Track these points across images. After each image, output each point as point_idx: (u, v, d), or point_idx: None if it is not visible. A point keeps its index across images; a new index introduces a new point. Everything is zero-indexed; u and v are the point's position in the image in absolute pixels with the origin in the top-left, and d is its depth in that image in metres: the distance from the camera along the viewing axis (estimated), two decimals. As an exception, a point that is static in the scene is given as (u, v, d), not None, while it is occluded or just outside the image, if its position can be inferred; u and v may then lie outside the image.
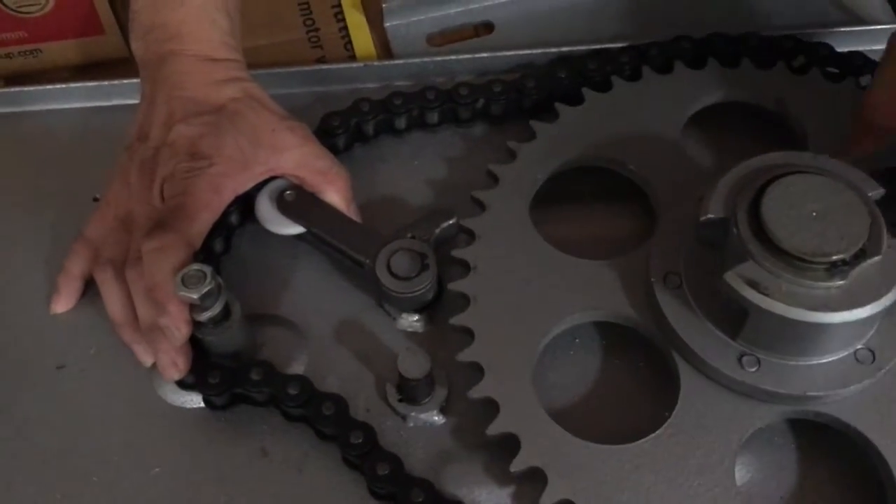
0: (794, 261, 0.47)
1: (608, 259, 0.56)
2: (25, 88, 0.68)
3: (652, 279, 0.53)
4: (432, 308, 0.57)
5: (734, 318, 0.49)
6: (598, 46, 0.66)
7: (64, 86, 0.67)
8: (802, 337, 0.49)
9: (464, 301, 0.54)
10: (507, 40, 0.71)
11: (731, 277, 0.47)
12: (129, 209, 0.57)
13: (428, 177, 0.64)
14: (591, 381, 0.55)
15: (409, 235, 0.57)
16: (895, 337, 0.50)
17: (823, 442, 0.52)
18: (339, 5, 0.74)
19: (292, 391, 0.52)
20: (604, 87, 0.63)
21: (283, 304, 0.59)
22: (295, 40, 0.72)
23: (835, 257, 0.46)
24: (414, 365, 0.52)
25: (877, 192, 0.49)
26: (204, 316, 0.51)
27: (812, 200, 0.48)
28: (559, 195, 0.61)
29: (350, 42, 0.72)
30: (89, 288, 0.59)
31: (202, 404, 0.55)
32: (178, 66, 0.56)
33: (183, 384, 0.54)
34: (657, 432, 0.50)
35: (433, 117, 0.65)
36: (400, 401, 0.54)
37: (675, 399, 0.51)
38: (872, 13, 0.72)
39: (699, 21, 0.68)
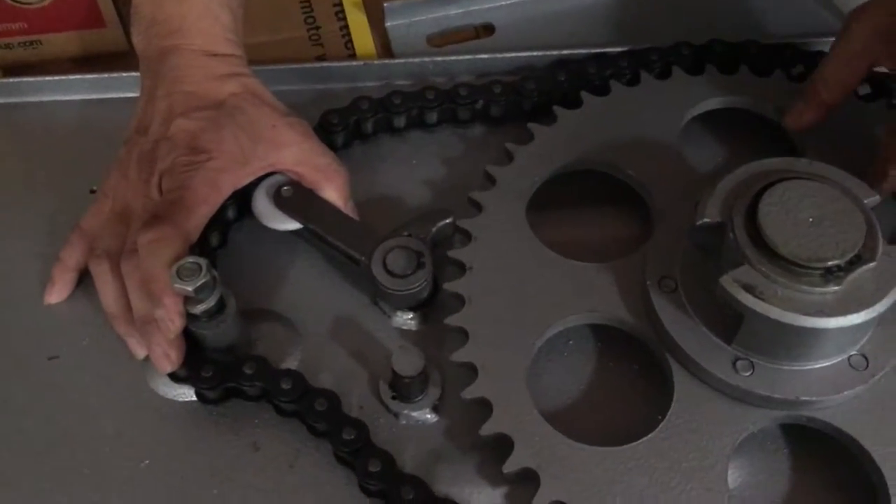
0: (789, 266, 0.47)
1: (604, 262, 0.56)
2: (25, 79, 0.68)
3: (647, 282, 0.53)
4: (427, 306, 0.57)
5: (729, 322, 0.50)
6: (598, 50, 0.66)
7: (63, 77, 0.67)
8: (797, 342, 0.49)
9: (459, 302, 0.54)
10: (507, 42, 0.71)
11: (727, 282, 0.48)
12: (127, 202, 0.57)
13: (426, 176, 0.64)
14: (585, 383, 0.55)
15: (405, 234, 0.57)
16: (889, 343, 0.51)
17: (816, 447, 0.52)
18: (341, 4, 0.74)
19: (285, 386, 0.52)
20: (602, 90, 0.64)
21: (278, 300, 0.59)
22: (296, 38, 0.73)
23: (830, 263, 0.47)
24: (407, 363, 0.52)
25: (872, 199, 0.49)
26: (198, 309, 0.51)
27: (809, 206, 0.48)
28: (556, 198, 0.61)
29: (351, 41, 0.73)
30: (83, 279, 0.59)
31: (194, 398, 0.55)
32: (179, 61, 0.56)
33: (175, 377, 0.53)
34: (650, 435, 0.50)
35: (432, 117, 0.65)
36: (393, 398, 0.54)
37: (668, 402, 0.51)
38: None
39: (700, 27, 0.68)
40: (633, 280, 0.54)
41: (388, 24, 0.73)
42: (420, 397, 0.54)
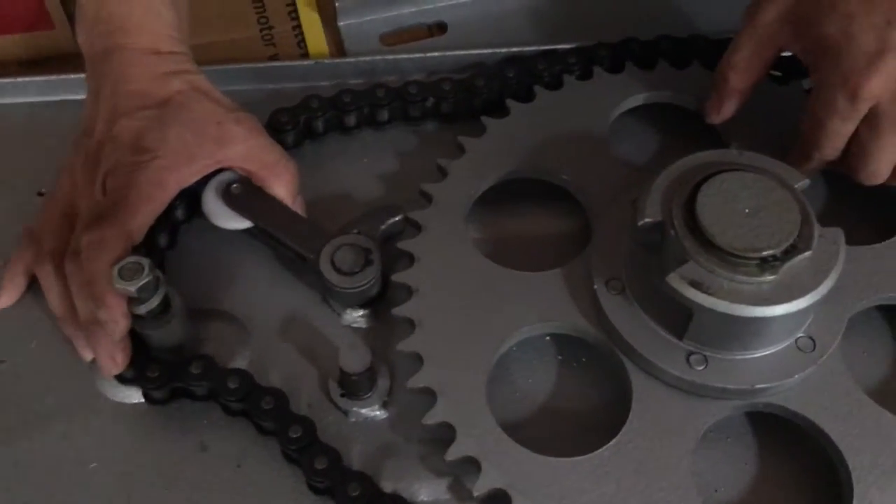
0: (727, 257, 0.48)
1: (550, 269, 0.55)
2: (-27, 83, 0.67)
3: (595, 286, 0.53)
4: (377, 304, 0.57)
5: (679, 318, 0.50)
6: (547, 47, 0.66)
7: (12, 80, 0.67)
8: (744, 331, 0.49)
9: (409, 325, 0.54)
10: (459, 41, 0.72)
11: (673, 279, 0.48)
12: (74, 203, 0.56)
13: (377, 174, 0.64)
14: (545, 394, 0.55)
15: (354, 231, 0.57)
16: (832, 324, 0.51)
17: (779, 431, 0.53)
18: (294, 3, 0.74)
19: (232, 385, 0.52)
20: (554, 86, 0.64)
21: (227, 299, 0.58)
22: (248, 38, 0.72)
23: (766, 253, 0.47)
24: (354, 360, 0.52)
25: (802, 183, 0.50)
26: (142, 309, 0.51)
27: (746, 197, 0.49)
28: (495, 207, 0.60)
29: (303, 40, 0.73)
30: (32, 283, 0.58)
31: (142, 399, 0.54)
32: (122, 60, 0.56)
33: (122, 378, 0.53)
34: (614, 440, 0.50)
35: (383, 115, 0.65)
36: (342, 396, 0.54)
37: (628, 404, 0.51)
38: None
39: (649, 24, 0.68)
40: (580, 284, 0.54)
41: (340, 23, 0.73)
42: (368, 394, 0.54)
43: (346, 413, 0.54)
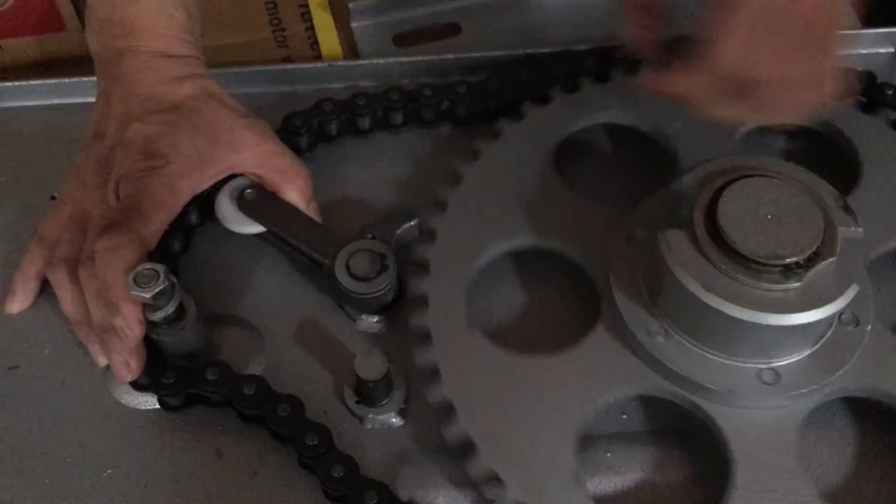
0: (750, 264, 0.47)
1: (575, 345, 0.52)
2: (-16, 85, 0.67)
3: (639, 339, 0.50)
4: (392, 309, 0.57)
5: (731, 337, 0.48)
6: (563, 49, 0.66)
7: (24, 83, 0.67)
8: (791, 338, 0.48)
9: (426, 336, 0.52)
10: (473, 43, 0.71)
11: (696, 288, 0.47)
12: (85, 208, 0.56)
13: (391, 177, 0.63)
14: (639, 464, 0.52)
15: (369, 236, 0.57)
16: (862, 292, 0.50)
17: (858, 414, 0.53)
18: (307, 5, 0.73)
19: (248, 392, 0.51)
20: (571, 88, 0.63)
21: (241, 305, 0.58)
22: (261, 40, 0.72)
23: (789, 260, 0.46)
24: (371, 367, 0.51)
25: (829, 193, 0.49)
26: (157, 316, 0.50)
27: (768, 203, 0.48)
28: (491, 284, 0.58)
29: (316, 42, 0.72)
30: (45, 288, 0.58)
31: (157, 405, 0.54)
32: (133, 63, 0.55)
33: (137, 385, 0.53)
34: (731, 489, 0.48)
35: (397, 118, 0.64)
36: (357, 403, 0.53)
37: (725, 448, 0.49)
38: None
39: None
40: (619, 344, 0.52)
41: (353, 24, 0.72)
42: (385, 401, 0.53)
43: (361, 420, 0.53)
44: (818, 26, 0.48)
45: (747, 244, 0.47)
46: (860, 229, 0.48)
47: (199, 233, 0.60)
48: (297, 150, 0.62)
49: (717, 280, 0.47)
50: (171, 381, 0.52)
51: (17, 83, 0.67)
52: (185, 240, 0.59)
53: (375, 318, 0.57)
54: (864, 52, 0.70)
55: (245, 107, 0.58)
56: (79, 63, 0.68)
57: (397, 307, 0.57)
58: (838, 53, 0.50)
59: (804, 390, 0.49)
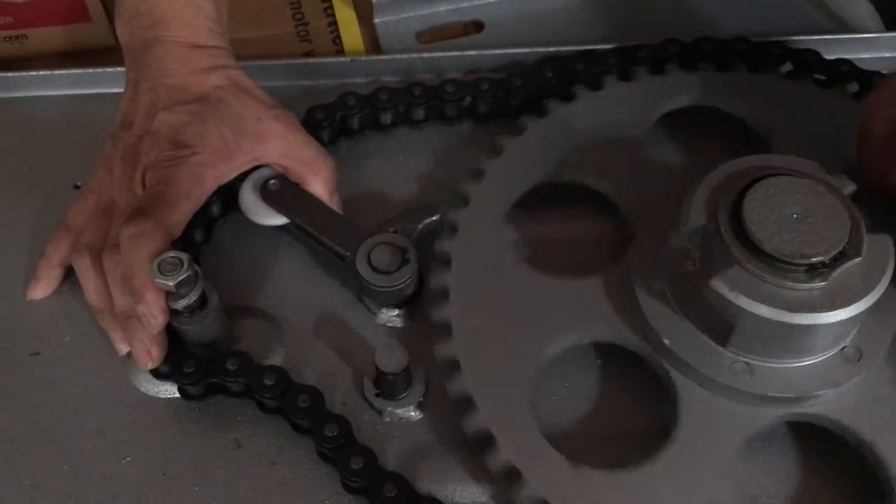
0: (775, 263, 0.47)
1: (588, 276, 0.54)
2: (10, 74, 0.67)
3: (636, 292, 0.52)
4: (412, 303, 0.57)
5: (723, 325, 0.49)
6: (586, 48, 0.66)
7: (49, 73, 0.67)
8: (790, 339, 0.48)
9: (446, 329, 0.53)
10: (496, 39, 0.71)
11: (718, 285, 0.47)
12: (111, 196, 0.56)
13: (412, 173, 0.63)
14: (588, 404, 0.54)
15: (391, 230, 0.57)
16: (879, 332, 0.50)
17: (819, 440, 0.52)
18: (329, 0, 0.74)
19: (268, 382, 0.52)
20: (594, 87, 0.63)
21: (262, 296, 0.58)
22: (284, 34, 0.72)
23: (815, 259, 0.46)
24: (391, 359, 0.51)
25: (849, 188, 0.49)
26: (180, 304, 0.50)
27: (793, 203, 0.48)
28: (531, 213, 0.59)
29: (339, 37, 0.72)
30: (68, 276, 0.58)
31: (177, 394, 0.54)
32: (162, 53, 0.56)
33: (158, 373, 0.53)
34: (661, 453, 0.49)
35: (419, 113, 0.64)
36: (377, 395, 0.53)
37: (674, 413, 0.50)
38: (861, 22, 0.73)
39: (687, 25, 0.68)
40: (620, 291, 0.53)
41: (376, 20, 0.72)
42: (404, 394, 0.53)
43: (380, 413, 0.53)
44: None
45: (772, 242, 0.46)
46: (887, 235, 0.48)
47: (222, 224, 0.61)
48: (320, 144, 0.62)
49: (738, 274, 0.47)
50: (192, 370, 0.52)
51: (41, 72, 0.67)
52: (208, 230, 0.60)
53: (395, 312, 0.57)
54: (888, 55, 0.69)
55: (266, 95, 0.58)
56: (104, 54, 0.69)
57: (417, 301, 0.57)
58: None
59: (773, 395, 0.49)
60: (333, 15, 0.73)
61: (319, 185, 0.57)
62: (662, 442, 0.49)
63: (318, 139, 0.62)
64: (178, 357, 0.53)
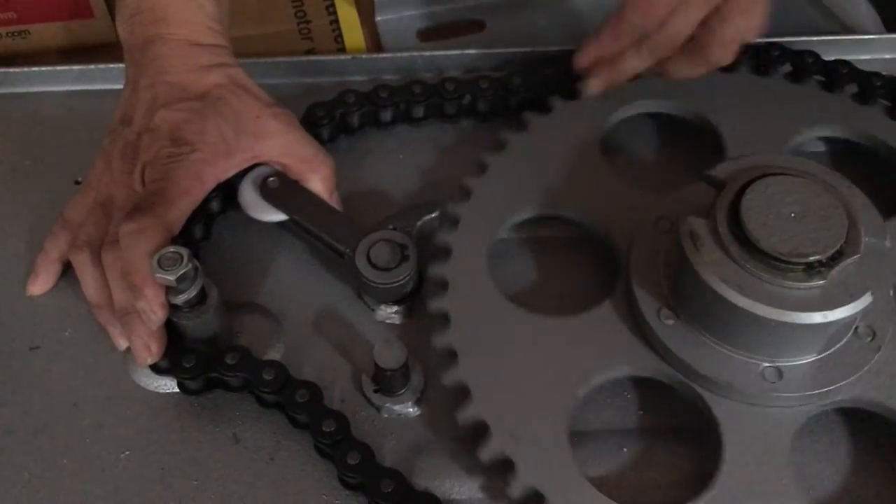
0: (773, 262, 0.47)
1: (590, 311, 0.53)
2: (11, 70, 0.68)
3: (647, 320, 0.51)
4: (411, 300, 0.57)
5: (741, 332, 0.48)
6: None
7: (50, 68, 0.67)
8: (804, 337, 0.48)
9: (444, 319, 0.53)
10: (497, 38, 0.71)
11: (720, 286, 0.47)
12: (110, 192, 0.56)
13: (412, 170, 0.64)
14: (627, 442, 0.53)
15: (390, 227, 0.57)
16: (886, 306, 0.51)
17: (858, 423, 0.52)
18: (331, -2, 0.74)
19: (267, 376, 0.52)
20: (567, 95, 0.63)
21: (261, 292, 0.58)
22: (285, 31, 0.73)
23: (812, 258, 0.46)
24: (390, 355, 0.51)
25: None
26: (180, 299, 0.51)
27: (791, 202, 0.48)
28: (514, 252, 0.59)
29: (340, 35, 0.73)
30: (66, 271, 0.58)
31: (176, 389, 0.54)
32: (162, 50, 0.56)
33: (157, 368, 0.53)
34: (715, 478, 0.48)
35: (419, 111, 0.65)
36: (375, 391, 0.54)
37: (717, 435, 0.49)
38: (860, 23, 0.73)
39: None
40: (627, 323, 0.52)
41: (378, 18, 0.73)
42: (402, 391, 0.53)
43: (378, 409, 0.54)
44: None
45: (770, 241, 0.47)
46: (886, 243, 0.48)
47: (221, 220, 0.61)
48: (319, 141, 0.62)
49: (732, 271, 0.47)
50: (191, 364, 0.52)
51: (43, 68, 0.67)
52: (207, 227, 0.60)
53: (394, 309, 0.57)
54: (887, 56, 0.70)
55: (265, 94, 0.58)
56: (106, 50, 0.69)
57: (416, 298, 0.57)
58: None
59: (806, 394, 0.49)
60: (335, 13, 0.73)
61: (318, 183, 0.57)
62: (713, 467, 0.49)
63: (318, 136, 0.62)
64: (177, 352, 0.53)
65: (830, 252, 0.46)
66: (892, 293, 0.52)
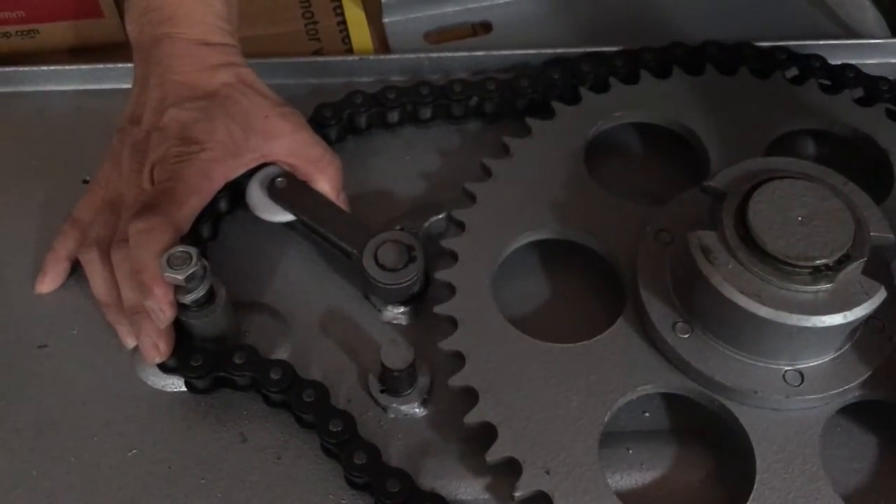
0: (779, 265, 0.47)
1: (598, 336, 0.53)
2: (20, 69, 0.68)
3: (664, 336, 0.50)
4: (418, 301, 0.57)
5: (758, 339, 0.48)
6: (593, 49, 0.66)
7: (59, 67, 0.67)
8: (822, 340, 0.49)
9: (451, 323, 0.53)
10: (504, 40, 0.72)
11: (734, 294, 0.47)
12: (119, 191, 0.57)
13: (419, 171, 0.64)
14: (656, 460, 0.52)
15: (397, 227, 0.57)
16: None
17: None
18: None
19: (274, 376, 0.52)
20: (599, 88, 0.64)
21: (269, 292, 0.59)
22: (293, 32, 0.73)
23: (818, 262, 0.47)
24: (396, 356, 0.52)
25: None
26: (188, 298, 0.51)
27: (798, 205, 0.48)
28: (514, 274, 0.58)
29: (348, 36, 0.73)
30: (75, 269, 0.59)
31: (183, 388, 0.55)
32: (171, 50, 0.56)
33: (165, 367, 0.53)
34: (755, 489, 0.48)
35: (426, 112, 0.65)
36: (382, 392, 0.54)
37: (748, 445, 0.49)
38: (867, 27, 0.73)
39: (693, 29, 0.68)
40: (642, 340, 0.52)
41: (385, 20, 0.73)
42: (409, 391, 0.54)
43: (385, 409, 0.54)
44: None
45: (777, 245, 0.47)
46: (891, 235, 0.48)
47: (229, 220, 0.61)
48: (327, 142, 0.62)
49: (748, 281, 0.47)
50: (199, 363, 0.53)
51: (51, 67, 0.67)
52: (215, 226, 0.60)
53: (401, 309, 0.57)
54: (893, 61, 0.70)
55: (274, 93, 0.59)
56: (114, 49, 0.69)
57: (423, 299, 0.57)
58: None
59: (829, 393, 0.49)
60: (343, 14, 0.74)
61: (326, 184, 0.58)
62: (747, 478, 0.49)
63: (326, 137, 0.63)
64: (185, 351, 0.53)
65: (837, 255, 0.47)
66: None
